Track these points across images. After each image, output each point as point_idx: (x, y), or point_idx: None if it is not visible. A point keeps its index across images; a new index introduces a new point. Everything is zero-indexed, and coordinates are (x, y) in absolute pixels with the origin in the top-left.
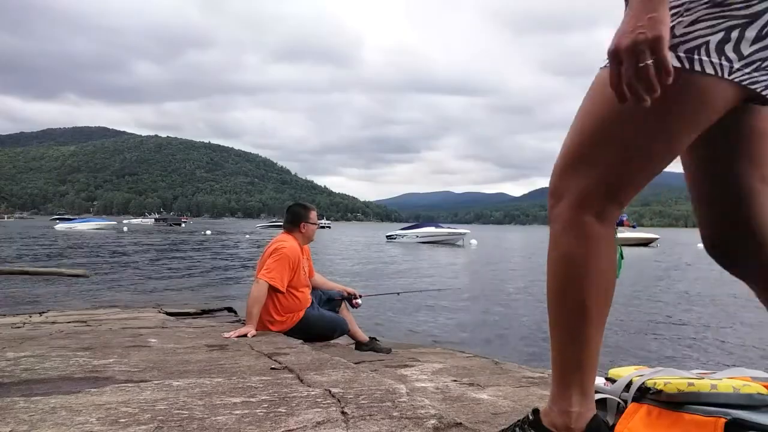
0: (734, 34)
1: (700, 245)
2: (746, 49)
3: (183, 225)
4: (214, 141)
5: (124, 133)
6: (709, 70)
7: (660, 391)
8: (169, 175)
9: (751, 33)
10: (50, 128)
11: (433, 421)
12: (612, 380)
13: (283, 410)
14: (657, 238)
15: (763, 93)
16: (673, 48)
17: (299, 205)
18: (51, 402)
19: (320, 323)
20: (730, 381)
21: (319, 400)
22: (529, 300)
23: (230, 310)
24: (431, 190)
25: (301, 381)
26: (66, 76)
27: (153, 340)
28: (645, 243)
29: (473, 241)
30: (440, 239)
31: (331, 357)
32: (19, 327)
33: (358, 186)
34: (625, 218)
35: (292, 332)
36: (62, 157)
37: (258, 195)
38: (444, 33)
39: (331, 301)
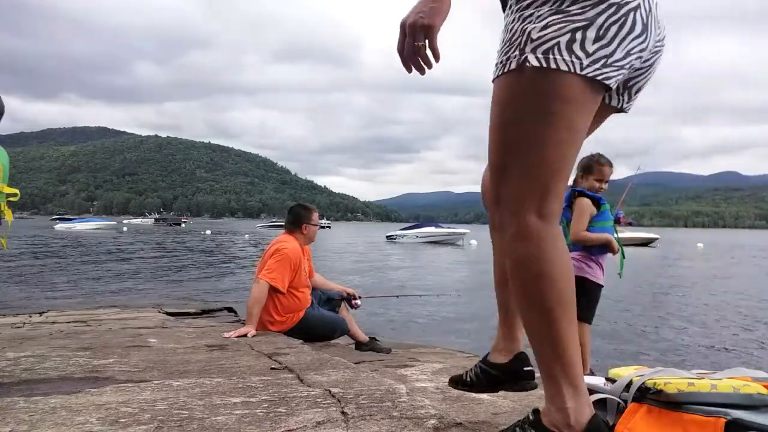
0: (578, 35)
1: (701, 245)
2: (590, 47)
3: (183, 225)
4: (214, 141)
5: (124, 133)
6: (563, 67)
7: (660, 391)
8: (169, 175)
9: (591, 33)
10: (50, 128)
11: (433, 421)
12: (612, 380)
13: (283, 410)
14: (657, 238)
15: (613, 87)
16: (533, 50)
17: (301, 206)
18: (51, 402)
19: (320, 323)
20: (730, 381)
21: (319, 400)
22: None
23: (230, 310)
24: (431, 190)
25: (301, 381)
26: (66, 76)
27: (153, 340)
28: (645, 243)
29: (473, 241)
30: (440, 239)
31: (331, 357)
32: (19, 327)
33: (358, 186)
34: (621, 215)
35: (292, 332)
36: (62, 157)
37: (258, 195)
38: (443, 33)
39: (330, 301)
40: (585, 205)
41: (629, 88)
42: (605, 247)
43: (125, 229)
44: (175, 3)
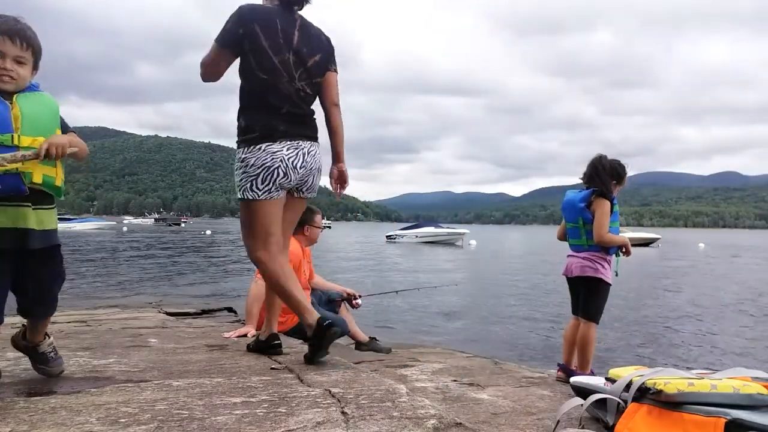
0: (253, 182)
1: (702, 245)
2: (261, 186)
3: (183, 225)
4: (214, 141)
5: (124, 133)
6: (249, 197)
7: (660, 391)
8: (169, 175)
9: (258, 180)
10: None
11: (433, 421)
12: (612, 380)
13: (283, 410)
14: (659, 238)
15: (276, 197)
16: (240, 190)
17: (307, 207)
18: (51, 402)
19: None
20: (730, 381)
21: (319, 400)
22: (528, 300)
23: (230, 310)
24: (431, 190)
25: (301, 381)
26: (67, 77)
27: (153, 340)
28: (647, 243)
29: (472, 242)
30: (440, 239)
31: (331, 357)
32: (19, 327)
33: (358, 186)
34: None
35: (292, 332)
36: None
37: None
38: (442, 34)
39: (331, 302)
40: (608, 207)
41: (299, 189)
42: (620, 248)
43: (125, 229)
44: (176, 4)
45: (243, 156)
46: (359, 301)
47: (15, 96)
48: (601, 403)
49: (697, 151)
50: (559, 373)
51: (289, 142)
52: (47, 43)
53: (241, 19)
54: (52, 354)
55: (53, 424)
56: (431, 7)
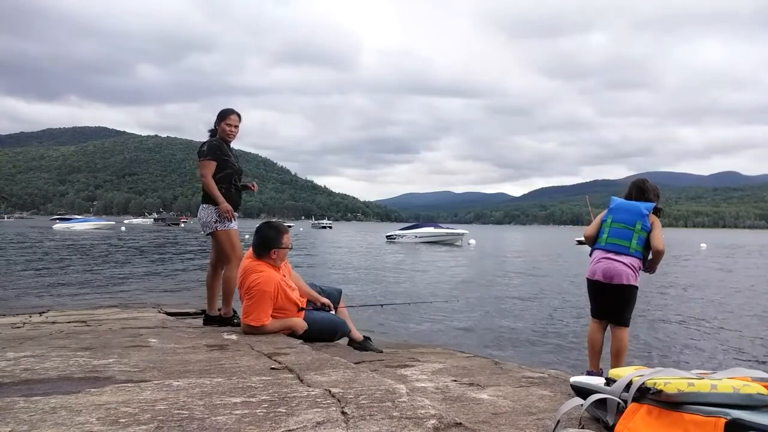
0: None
1: (704, 245)
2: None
3: (182, 225)
4: None
5: (124, 133)
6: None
7: (660, 391)
8: (169, 175)
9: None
10: (50, 128)
11: (433, 421)
12: (612, 380)
13: (283, 410)
14: None
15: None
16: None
17: (270, 227)
18: (51, 402)
19: (322, 327)
20: (730, 381)
21: (319, 400)
22: (527, 300)
23: None
24: (431, 190)
25: (301, 381)
26: (69, 78)
27: (153, 340)
28: None
29: (471, 241)
30: (439, 239)
31: (331, 357)
32: (19, 327)
33: (358, 186)
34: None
35: (294, 333)
36: (62, 157)
37: (258, 195)
38: (441, 36)
39: (329, 297)
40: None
41: None
42: None
43: (123, 228)
44: (177, 6)
45: None
46: (332, 312)
47: None
48: (601, 403)
49: (696, 152)
50: None
51: None
52: (48, 44)
53: None
54: None
55: (53, 424)
56: (430, 9)
